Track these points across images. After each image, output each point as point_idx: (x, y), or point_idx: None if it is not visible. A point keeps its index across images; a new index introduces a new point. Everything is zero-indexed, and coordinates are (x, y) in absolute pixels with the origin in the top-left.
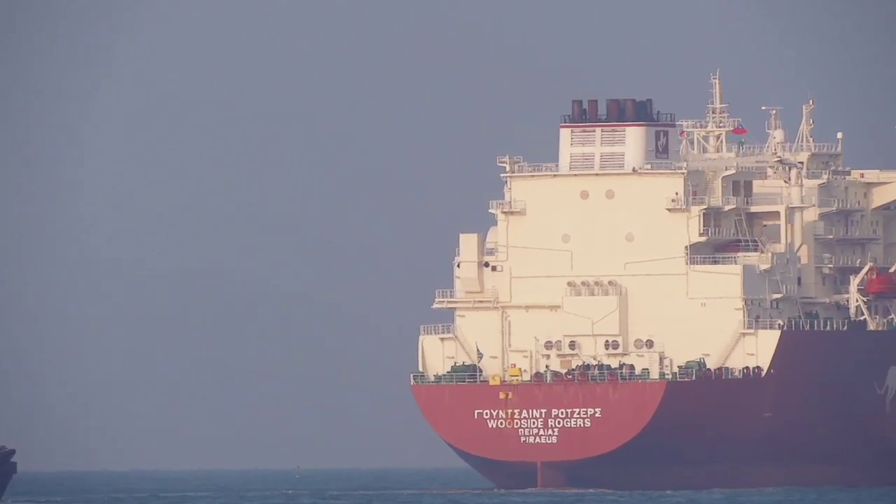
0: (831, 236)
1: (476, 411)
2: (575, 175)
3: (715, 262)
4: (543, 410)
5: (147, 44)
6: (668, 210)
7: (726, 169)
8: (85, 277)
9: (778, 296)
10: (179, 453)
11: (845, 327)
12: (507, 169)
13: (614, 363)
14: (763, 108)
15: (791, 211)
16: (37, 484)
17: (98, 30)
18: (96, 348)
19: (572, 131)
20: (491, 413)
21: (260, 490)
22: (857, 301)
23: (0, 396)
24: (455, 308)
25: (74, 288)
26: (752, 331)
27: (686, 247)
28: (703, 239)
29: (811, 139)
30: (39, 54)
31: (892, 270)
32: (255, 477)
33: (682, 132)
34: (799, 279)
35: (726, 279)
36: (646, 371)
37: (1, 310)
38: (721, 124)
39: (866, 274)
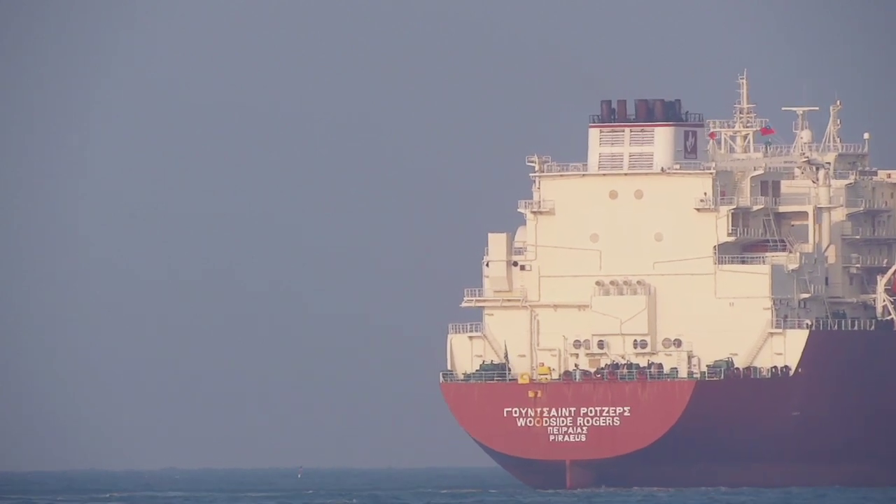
0: (858, 236)
1: (505, 410)
2: (604, 175)
3: (743, 262)
4: (572, 409)
5: (148, 46)
6: (697, 210)
7: (755, 169)
8: (84, 279)
9: (806, 295)
10: (191, 453)
11: (872, 327)
12: (536, 168)
13: (643, 362)
14: (791, 108)
15: (819, 211)
16: (28, 484)
17: (95, 34)
18: (99, 349)
19: (601, 131)
20: (520, 411)
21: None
22: (883, 301)
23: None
24: (484, 307)
25: (73, 290)
26: (780, 330)
27: (714, 247)
28: (731, 239)
29: (838, 139)
30: (37, 59)
31: None
32: (275, 476)
33: (712, 133)
34: (826, 279)
35: (754, 279)
36: (674, 370)
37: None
38: (748, 124)
39: (893, 274)
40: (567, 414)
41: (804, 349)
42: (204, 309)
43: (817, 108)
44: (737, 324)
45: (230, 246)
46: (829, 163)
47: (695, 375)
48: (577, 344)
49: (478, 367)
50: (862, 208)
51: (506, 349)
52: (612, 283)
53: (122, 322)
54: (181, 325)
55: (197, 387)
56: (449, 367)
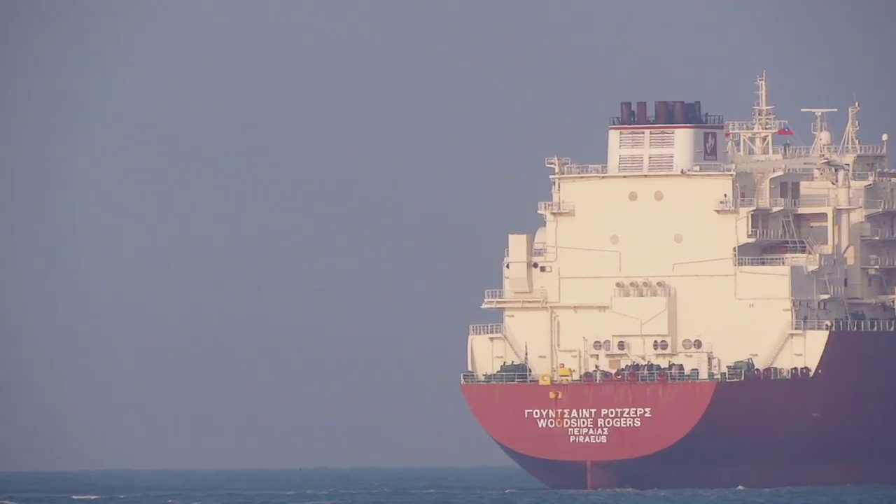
0: (877, 237)
1: (526, 411)
2: (624, 176)
3: (763, 264)
4: (593, 410)
5: (149, 64)
6: (717, 211)
7: (774, 171)
8: (82, 279)
9: (825, 297)
10: (199, 454)
11: (892, 328)
12: (556, 170)
13: (663, 363)
14: (811, 110)
15: (838, 212)
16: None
17: (92, 51)
18: (102, 349)
19: (621, 133)
20: (541, 412)
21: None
22: None
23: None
24: (504, 308)
25: (71, 291)
26: (800, 331)
27: (734, 248)
28: (751, 240)
29: (857, 141)
30: (33, 74)
31: None
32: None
33: (728, 133)
34: (845, 280)
35: (774, 280)
36: (695, 371)
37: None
38: (767, 126)
39: None
40: (588, 415)
41: (824, 350)
42: (216, 310)
43: (836, 110)
44: (757, 325)
45: (239, 245)
46: (847, 164)
47: (715, 377)
48: (597, 345)
49: (498, 369)
50: (881, 209)
51: (526, 350)
52: (632, 284)
53: (124, 322)
54: (193, 327)
55: (209, 388)
56: (470, 369)
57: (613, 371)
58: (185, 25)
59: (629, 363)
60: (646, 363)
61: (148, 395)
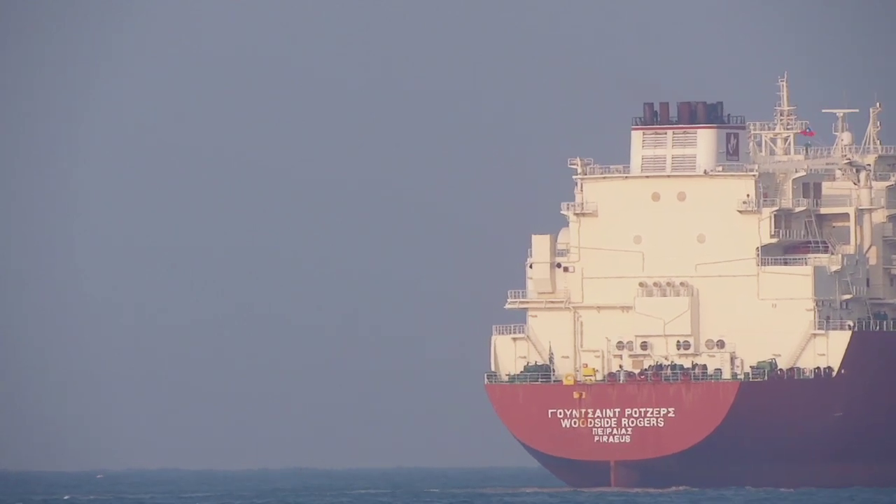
0: None
1: (550, 411)
2: (646, 177)
3: (785, 264)
4: (617, 410)
5: (150, 65)
6: (740, 212)
7: (796, 171)
8: (81, 280)
9: (848, 297)
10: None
11: None
12: (579, 171)
13: (686, 363)
14: (832, 111)
15: (860, 213)
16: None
17: (92, 51)
18: (102, 350)
19: (644, 133)
20: (565, 412)
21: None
22: None
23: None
24: (527, 308)
25: (67, 291)
26: (822, 331)
27: (757, 248)
28: (773, 240)
29: (878, 141)
30: (33, 75)
31: None
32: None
33: (749, 136)
34: (868, 280)
35: (797, 280)
36: (718, 371)
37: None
38: (789, 126)
39: None
40: (612, 415)
41: (846, 350)
42: (232, 310)
43: (857, 111)
44: (779, 325)
45: (256, 246)
46: (869, 164)
47: (738, 377)
48: (620, 345)
49: (522, 369)
50: None
51: (550, 350)
52: (655, 284)
53: (124, 323)
54: (205, 328)
55: (219, 389)
56: (493, 369)
57: (637, 371)
58: (187, 28)
59: (652, 363)
60: (669, 363)
61: (158, 396)
